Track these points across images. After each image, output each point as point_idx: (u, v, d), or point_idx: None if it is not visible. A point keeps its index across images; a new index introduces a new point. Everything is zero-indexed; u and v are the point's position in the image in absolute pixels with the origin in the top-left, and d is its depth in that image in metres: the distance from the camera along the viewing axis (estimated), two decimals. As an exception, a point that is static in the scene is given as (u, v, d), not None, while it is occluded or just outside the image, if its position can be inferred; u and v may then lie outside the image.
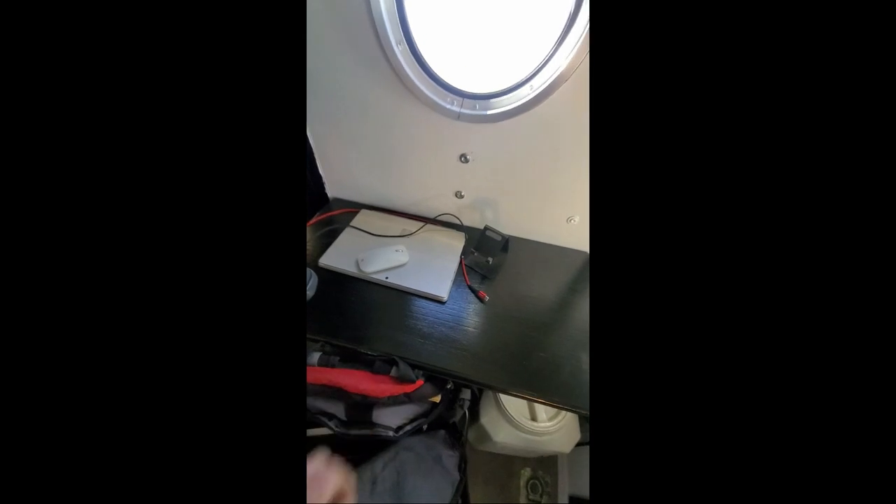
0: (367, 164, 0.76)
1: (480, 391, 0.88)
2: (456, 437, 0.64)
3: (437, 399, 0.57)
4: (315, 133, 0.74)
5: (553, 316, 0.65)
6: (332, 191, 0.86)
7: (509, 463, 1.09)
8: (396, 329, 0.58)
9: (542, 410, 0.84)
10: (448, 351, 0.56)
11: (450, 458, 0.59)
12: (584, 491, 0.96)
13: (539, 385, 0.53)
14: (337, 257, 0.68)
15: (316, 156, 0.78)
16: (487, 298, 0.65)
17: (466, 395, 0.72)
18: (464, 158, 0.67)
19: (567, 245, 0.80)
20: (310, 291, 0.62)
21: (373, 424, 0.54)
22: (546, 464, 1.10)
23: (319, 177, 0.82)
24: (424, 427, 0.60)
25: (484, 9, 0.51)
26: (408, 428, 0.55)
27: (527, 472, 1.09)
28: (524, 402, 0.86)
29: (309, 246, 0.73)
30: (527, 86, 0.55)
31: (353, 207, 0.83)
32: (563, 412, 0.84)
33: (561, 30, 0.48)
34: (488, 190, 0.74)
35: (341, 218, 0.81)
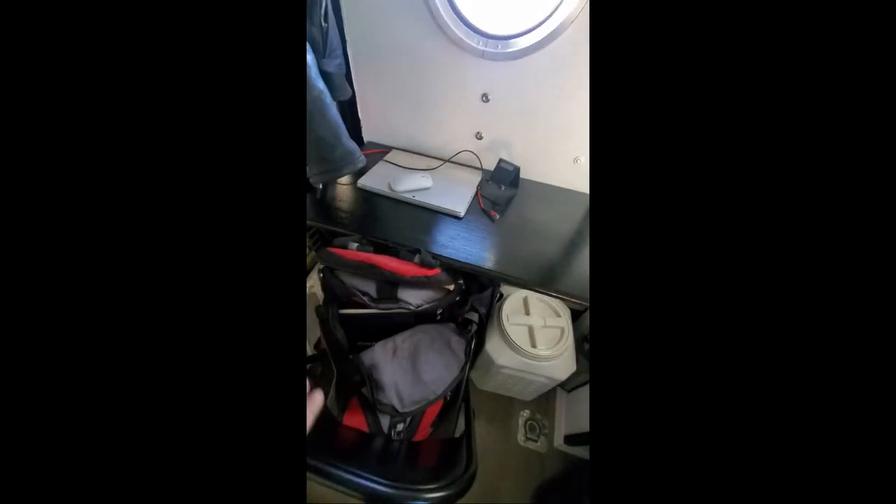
0: (399, 107, 0.88)
1: (487, 318, 0.97)
2: (464, 328, 0.75)
3: (451, 287, 0.68)
4: (359, 80, 0.87)
5: (557, 236, 0.74)
6: (367, 135, 0.99)
7: (509, 404, 1.18)
8: (420, 233, 0.70)
9: (541, 339, 0.93)
10: (462, 251, 0.66)
11: (458, 344, 0.70)
12: (577, 430, 1.03)
13: (542, 281, 0.63)
14: (372, 181, 0.81)
15: (357, 101, 0.91)
16: (497, 217, 0.75)
17: (475, 317, 0.83)
18: (485, 98, 0.78)
19: (573, 187, 0.89)
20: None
21: (398, 300, 0.65)
22: (543, 406, 1.18)
23: (358, 121, 0.95)
24: (438, 315, 0.70)
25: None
26: (426, 307, 0.66)
27: (525, 414, 1.17)
28: (526, 330, 0.95)
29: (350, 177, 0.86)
30: (542, 27, 0.65)
31: (386, 149, 0.96)
32: (562, 342, 0.92)
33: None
34: (504, 131, 0.84)
35: (375, 157, 0.93)
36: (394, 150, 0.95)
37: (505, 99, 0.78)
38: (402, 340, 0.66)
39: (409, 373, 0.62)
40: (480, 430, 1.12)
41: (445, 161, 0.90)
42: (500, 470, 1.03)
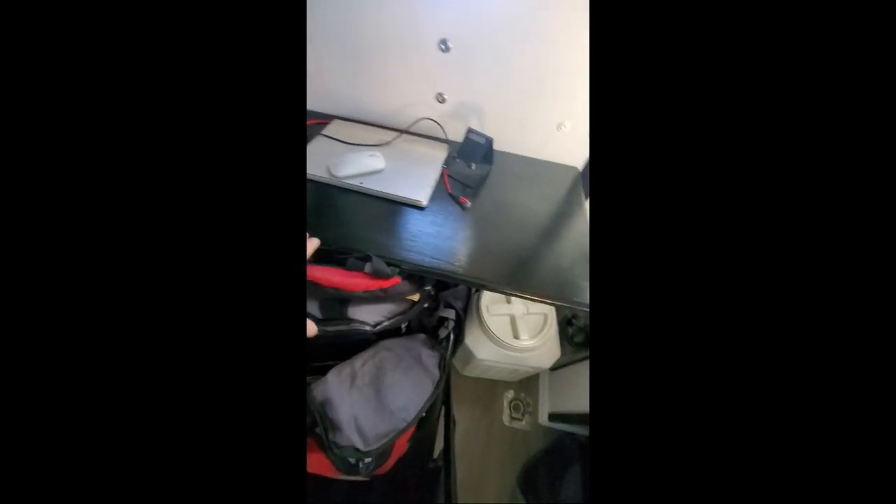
0: (337, 62, 0.68)
1: (465, 312, 0.89)
2: (436, 341, 0.65)
3: (416, 298, 0.56)
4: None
5: (538, 223, 0.63)
6: (301, 101, 0.78)
7: (493, 386, 1.15)
8: (374, 231, 0.56)
9: (524, 329, 0.86)
10: (427, 252, 0.54)
11: (430, 358, 0.60)
12: (561, 409, 1.03)
13: (520, 283, 0.52)
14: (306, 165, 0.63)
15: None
16: (469, 204, 0.62)
17: (451, 314, 0.73)
18: (444, 46, 0.60)
19: (555, 159, 0.76)
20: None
21: (349, 320, 0.53)
22: (527, 386, 1.17)
23: (285, 82, 0.74)
24: (403, 328, 0.60)
25: None
26: (386, 324, 0.55)
27: (510, 395, 1.15)
28: (507, 321, 0.87)
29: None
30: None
31: (324, 119, 0.76)
32: (546, 329, 0.86)
33: None
34: (471, 90, 0.67)
35: (310, 131, 0.74)
36: (335, 121, 0.75)
37: (469, 46, 0.59)
38: (362, 364, 0.56)
39: (372, 401, 0.53)
40: (465, 413, 1.10)
41: (401, 133, 0.73)
42: (485, 453, 1.03)
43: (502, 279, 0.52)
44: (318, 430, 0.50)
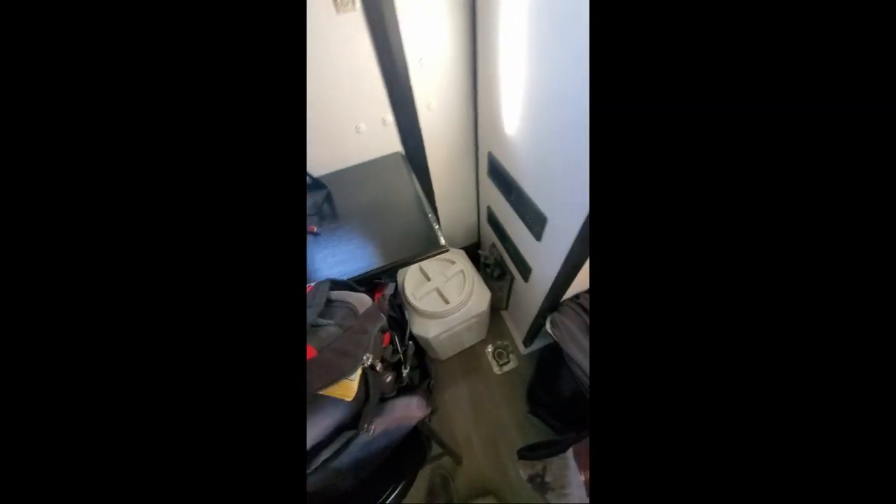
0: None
1: (401, 308, 0.96)
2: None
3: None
4: None
5: (385, 206, 0.71)
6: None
7: (472, 351, 1.25)
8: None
9: (450, 292, 0.96)
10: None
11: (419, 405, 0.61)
12: (526, 329, 1.15)
13: (391, 256, 0.61)
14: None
15: None
16: (317, 230, 0.68)
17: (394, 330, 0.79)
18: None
19: (382, 153, 0.85)
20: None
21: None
22: (498, 332, 1.28)
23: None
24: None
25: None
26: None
27: (489, 349, 1.26)
28: (434, 294, 0.96)
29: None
30: None
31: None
32: (467, 283, 0.96)
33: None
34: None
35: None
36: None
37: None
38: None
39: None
40: (463, 386, 1.18)
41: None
42: (494, 404, 1.13)
43: (398, 255, 0.60)
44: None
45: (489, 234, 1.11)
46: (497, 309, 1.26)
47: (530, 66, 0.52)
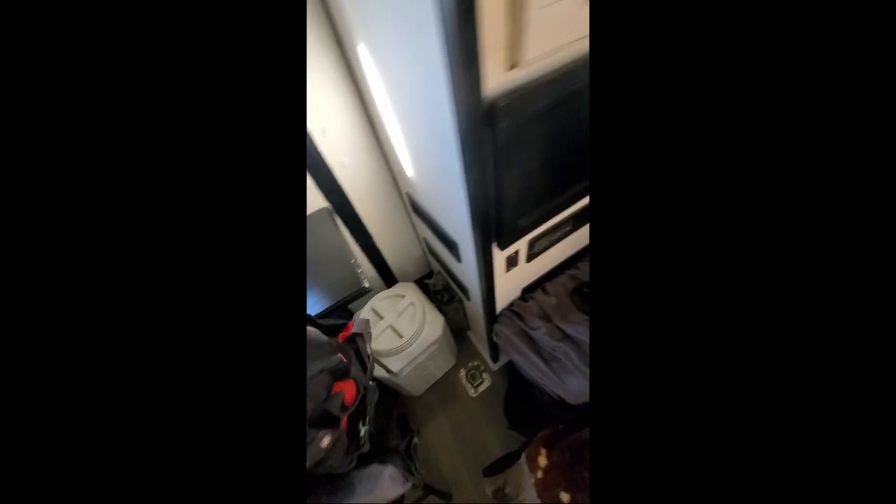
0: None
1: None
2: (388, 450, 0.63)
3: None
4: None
5: (319, 257, 0.76)
6: None
7: (445, 378, 1.26)
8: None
9: (403, 326, 0.99)
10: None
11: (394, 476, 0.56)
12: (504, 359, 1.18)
13: (326, 299, 0.64)
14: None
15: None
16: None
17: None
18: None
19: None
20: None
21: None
22: (467, 354, 1.30)
23: None
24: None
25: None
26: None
27: (462, 372, 1.27)
28: (389, 332, 0.99)
29: None
30: None
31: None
32: (418, 316, 1.00)
33: None
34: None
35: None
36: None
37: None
38: None
39: None
40: (442, 417, 1.17)
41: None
42: (475, 427, 1.12)
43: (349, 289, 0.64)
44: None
45: (434, 263, 1.18)
46: (463, 330, 1.30)
47: (401, 123, 0.62)
